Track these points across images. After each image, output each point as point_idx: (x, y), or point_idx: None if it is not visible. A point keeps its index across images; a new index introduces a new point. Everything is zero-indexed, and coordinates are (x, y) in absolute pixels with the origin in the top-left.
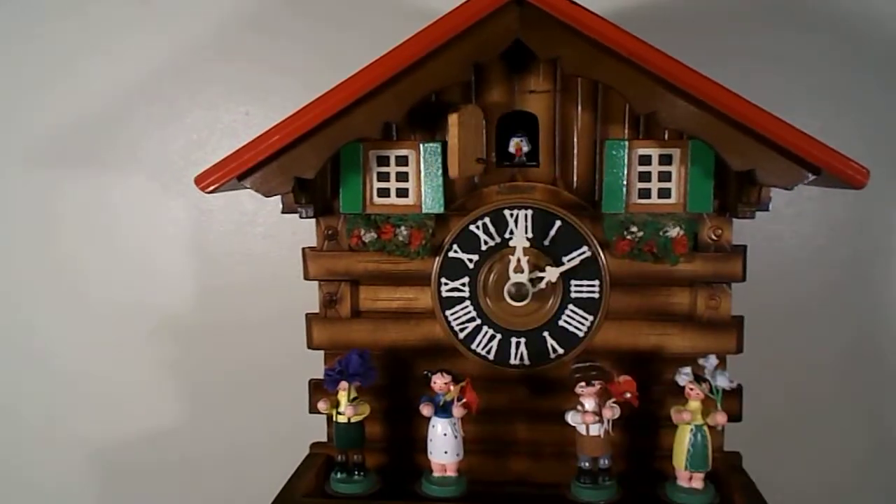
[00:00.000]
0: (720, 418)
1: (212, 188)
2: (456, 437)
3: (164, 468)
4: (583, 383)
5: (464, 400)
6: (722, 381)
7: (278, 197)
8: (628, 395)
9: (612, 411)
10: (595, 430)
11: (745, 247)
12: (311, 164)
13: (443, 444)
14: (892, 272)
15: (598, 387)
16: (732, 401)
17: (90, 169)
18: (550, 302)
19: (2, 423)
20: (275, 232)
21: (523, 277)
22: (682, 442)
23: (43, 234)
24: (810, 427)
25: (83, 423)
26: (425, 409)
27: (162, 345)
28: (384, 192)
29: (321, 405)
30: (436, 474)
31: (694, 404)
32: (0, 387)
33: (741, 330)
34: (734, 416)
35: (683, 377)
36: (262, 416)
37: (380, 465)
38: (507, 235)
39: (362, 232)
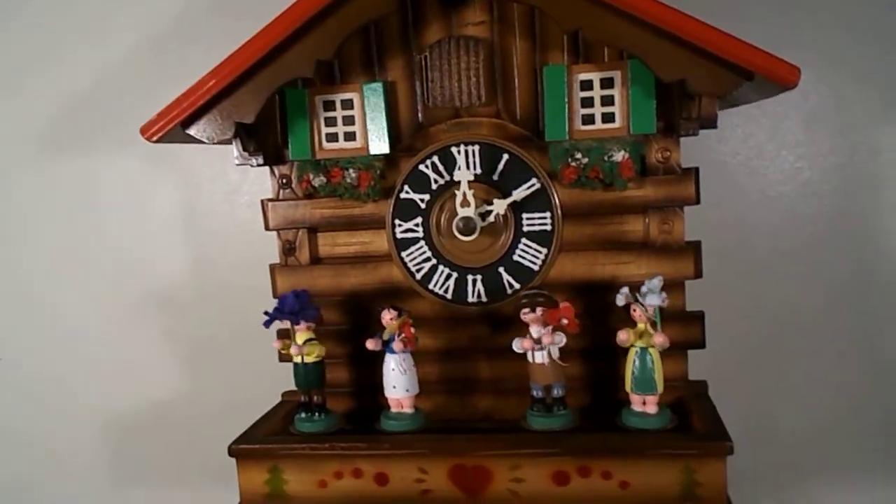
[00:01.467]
0: (658, 339)
1: (156, 137)
2: (405, 372)
3: (166, 432)
4: (527, 310)
5: (402, 335)
6: (652, 300)
7: (260, 170)
8: (565, 321)
9: (551, 338)
10: (539, 357)
11: (696, 169)
12: (250, 108)
13: (392, 379)
14: (880, 199)
15: (540, 313)
16: (694, 328)
17: (81, 149)
18: (503, 237)
19: (9, 392)
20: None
21: (470, 211)
22: (629, 365)
23: (39, 214)
24: (798, 359)
25: (91, 390)
26: (370, 344)
27: (159, 314)
28: (332, 137)
29: (276, 344)
30: (393, 410)
31: (641, 326)
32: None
33: (698, 254)
34: (696, 343)
35: (619, 297)
36: (258, 376)
37: (348, 410)
38: (455, 173)
39: (311, 177)
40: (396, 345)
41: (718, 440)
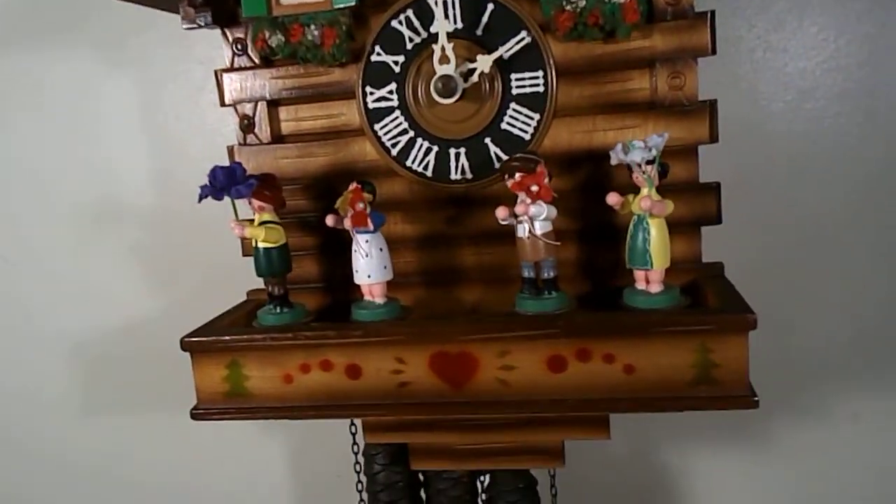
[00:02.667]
0: (644, 203)
1: None
2: (367, 255)
3: (137, 356)
4: (505, 176)
5: (352, 211)
6: (634, 155)
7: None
8: (535, 187)
9: (525, 207)
10: (521, 231)
11: (711, 12)
12: None
13: (354, 262)
14: None
15: (519, 179)
16: (708, 200)
17: (24, 47)
18: (490, 102)
19: None
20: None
21: (450, 69)
22: (628, 236)
23: None
24: (821, 260)
25: (59, 317)
26: (328, 219)
27: (125, 231)
28: None
29: (230, 224)
30: (365, 298)
31: (644, 192)
32: None
33: (714, 114)
34: (710, 218)
35: (612, 155)
36: (235, 293)
37: (320, 307)
38: (433, 28)
39: (268, 35)
40: (346, 221)
41: (738, 313)
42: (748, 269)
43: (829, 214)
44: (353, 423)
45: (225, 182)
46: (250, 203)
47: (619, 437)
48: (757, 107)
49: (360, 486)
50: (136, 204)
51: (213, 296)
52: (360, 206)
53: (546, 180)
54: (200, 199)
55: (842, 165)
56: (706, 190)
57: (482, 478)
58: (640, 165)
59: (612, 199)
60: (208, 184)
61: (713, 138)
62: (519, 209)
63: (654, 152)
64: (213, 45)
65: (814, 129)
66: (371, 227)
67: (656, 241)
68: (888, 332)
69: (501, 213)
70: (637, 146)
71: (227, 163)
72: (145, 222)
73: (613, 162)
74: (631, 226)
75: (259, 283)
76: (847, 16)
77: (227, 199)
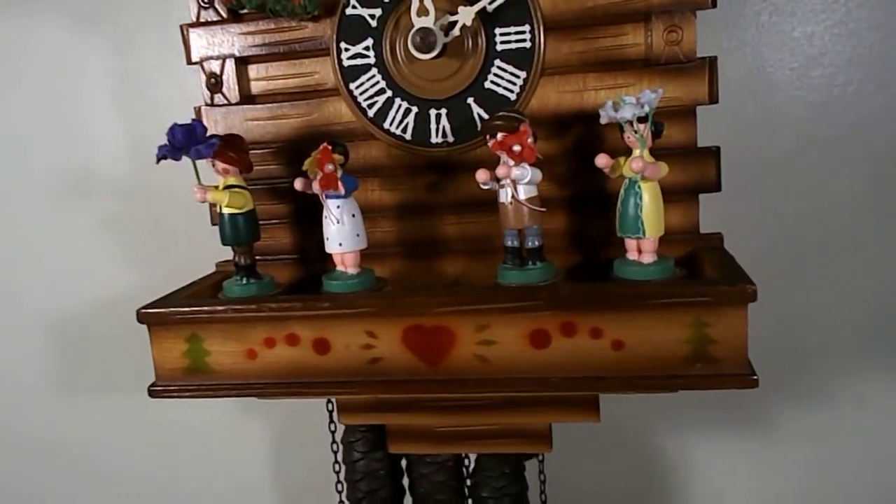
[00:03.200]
0: (635, 165)
1: None
2: (338, 221)
3: (117, 334)
4: (487, 136)
5: (320, 174)
6: (625, 112)
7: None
8: (517, 147)
9: (507, 170)
10: (503, 196)
11: None
12: None
13: (325, 230)
14: None
15: (500, 139)
16: (707, 166)
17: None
18: (473, 59)
19: None
20: None
21: (429, 21)
22: (618, 201)
23: None
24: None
25: (31, 289)
26: (297, 183)
27: (102, 203)
28: None
29: (193, 188)
30: (337, 269)
31: (636, 152)
32: None
33: (714, 72)
34: (709, 184)
35: (601, 113)
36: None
37: (293, 279)
38: None
39: None
40: (314, 184)
41: (737, 284)
42: (748, 245)
43: (837, 190)
44: (329, 401)
45: (184, 141)
46: (214, 165)
47: (611, 421)
48: (762, 74)
49: (337, 474)
50: (113, 174)
51: (194, 270)
52: (330, 167)
53: (530, 140)
54: (158, 159)
55: (851, 138)
56: (705, 154)
57: (467, 462)
58: (631, 124)
59: (602, 160)
60: (167, 143)
61: (713, 98)
62: (501, 171)
63: (646, 109)
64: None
65: (822, 99)
66: (342, 191)
67: (649, 206)
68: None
69: (482, 175)
70: (628, 101)
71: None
72: (122, 193)
73: (603, 121)
74: (622, 190)
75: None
76: None
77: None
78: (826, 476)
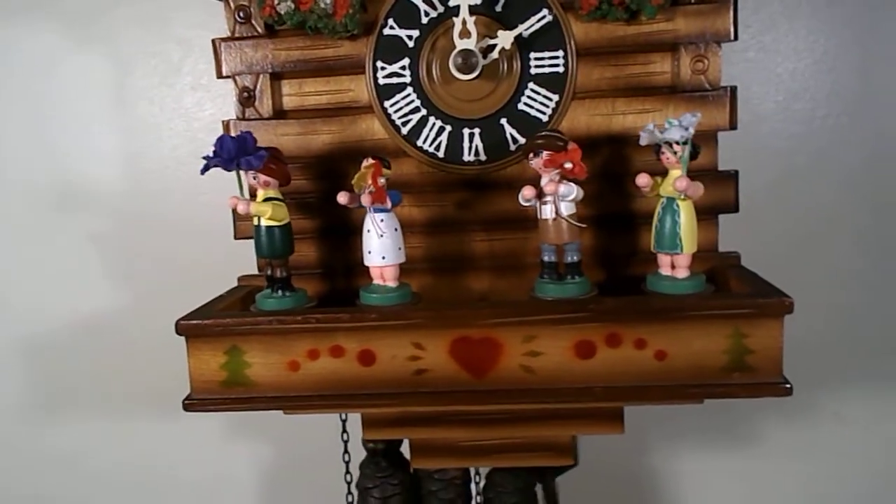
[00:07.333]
0: (680, 184)
1: None
2: (382, 234)
3: (103, 351)
4: (530, 154)
5: (370, 187)
6: (672, 134)
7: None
8: (568, 164)
9: (554, 186)
10: (546, 212)
11: None
12: None
13: (366, 243)
14: None
15: (545, 158)
16: (727, 188)
17: None
18: (507, 81)
19: None
20: (206, 82)
21: (471, 43)
22: (654, 218)
23: None
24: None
25: (8, 305)
26: (341, 197)
27: (89, 219)
28: None
29: (232, 201)
30: (375, 282)
31: (675, 173)
32: None
33: (734, 101)
34: (728, 206)
35: (643, 135)
36: (209, 286)
37: (318, 295)
38: (450, 3)
39: (276, 1)
40: (364, 198)
41: (775, 297)
42: None
43: (815, 212)
44: (344, 431)
45: (236, 152)
46: (255, 178)
47: (605, 438)
48: (749, 105)
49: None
50: (101, 191)
51: (179, 290)
52: (382, 181)
53: (580, 158)
54: (204, 170)
55: (828, 165)
56: (725, 177)
57: (477, 479)
58: (672, 145)
59: (642, 179)
60: (213, 154)
61: (733, 125)
62: (548, 188)
63: (690, 131)
64: (191, 25)
65: (803, 130)
66: (389, 204)
67: (686, 224)
68: (872, 331)
69: (528, 192)
70: (674, 124)
71: (204, 148)
72: (111, 210)
73: (643, 142)
74: (659, 208)
75: (245, 268)
76: (836, 19)
77: (206, 174)
78: (809, 488)
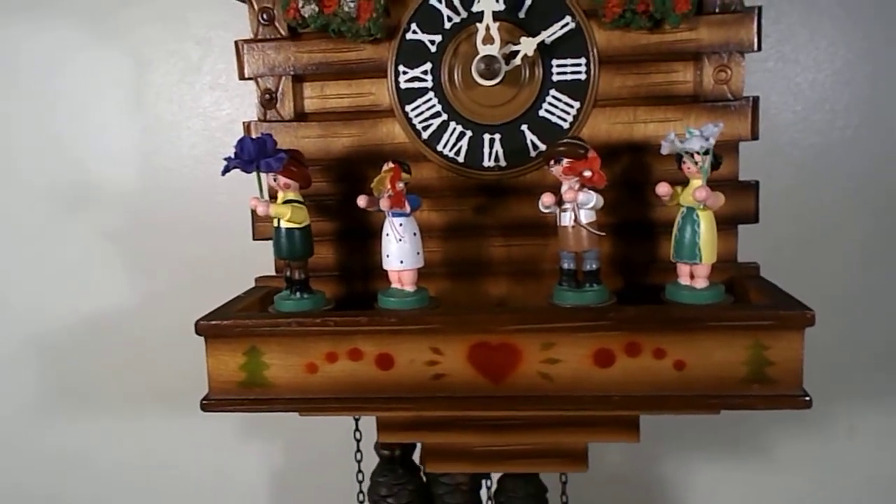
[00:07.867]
0: (700, 194)
1: None
2: (400, 239)
3: (119, 350)
4: (551, 161)
5: (389, 191)
6: (693, 144)
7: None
8: (588, 172)
9: (574, 194)
10: (566, 219)
11: (758, 8)
12: None
13: (385, 246)
14: None
15: (565, 165)
16: (747, 199)
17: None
18: (529, 88)
19: None
20: (224, 81)
21: (494, 49)
22: (674, 228)
23: None
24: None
25: (20, 301)
26: (361, 200)
27: (107, 217)
28: None
29: (252, 202)
30: (393, 286)
31: (695, 182)
32: None
33: (756, 111)
34: (748, 216)
35: (664, 144)
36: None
37: (335, 297)
38: (473, 8)
39: (301, 3)
40: (383, 202)
41: (796, 309)
42: None
43: (833, 223)
44: (357, 430)
45: (255, 154)
46: (275, 179)
47: (615, 447)
48: (767, 116)
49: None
50: (115, 188)
51: (194, 289)
52: (401, 185)
53: (599, 166)
54: (225, 171)
55: (846, 176)
56: (745, 187)
57: (488, 483)
58: (693, 155)
59: (663, 189)
60: (234, 156)
61: (754, 135)
62: (568, 195)
63: (711, 141)
64: (211, 25)
65: (821, 141)
66: (408, 209)
67: (706, 234)
68: (887, 346)
69: (548, 199)
70: (695, 134)
71: (222, 147)
72: (127, 209)
73: (664, 151)
74: (679, 218)
75: (260, 269)
76: (856, 31)
77: (227, 177)
78: (819, 501)
